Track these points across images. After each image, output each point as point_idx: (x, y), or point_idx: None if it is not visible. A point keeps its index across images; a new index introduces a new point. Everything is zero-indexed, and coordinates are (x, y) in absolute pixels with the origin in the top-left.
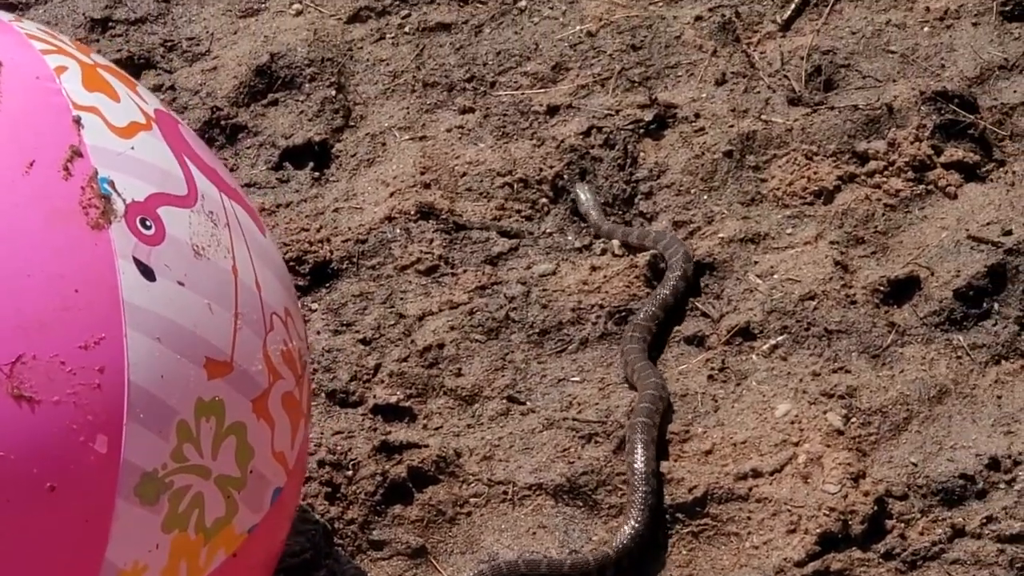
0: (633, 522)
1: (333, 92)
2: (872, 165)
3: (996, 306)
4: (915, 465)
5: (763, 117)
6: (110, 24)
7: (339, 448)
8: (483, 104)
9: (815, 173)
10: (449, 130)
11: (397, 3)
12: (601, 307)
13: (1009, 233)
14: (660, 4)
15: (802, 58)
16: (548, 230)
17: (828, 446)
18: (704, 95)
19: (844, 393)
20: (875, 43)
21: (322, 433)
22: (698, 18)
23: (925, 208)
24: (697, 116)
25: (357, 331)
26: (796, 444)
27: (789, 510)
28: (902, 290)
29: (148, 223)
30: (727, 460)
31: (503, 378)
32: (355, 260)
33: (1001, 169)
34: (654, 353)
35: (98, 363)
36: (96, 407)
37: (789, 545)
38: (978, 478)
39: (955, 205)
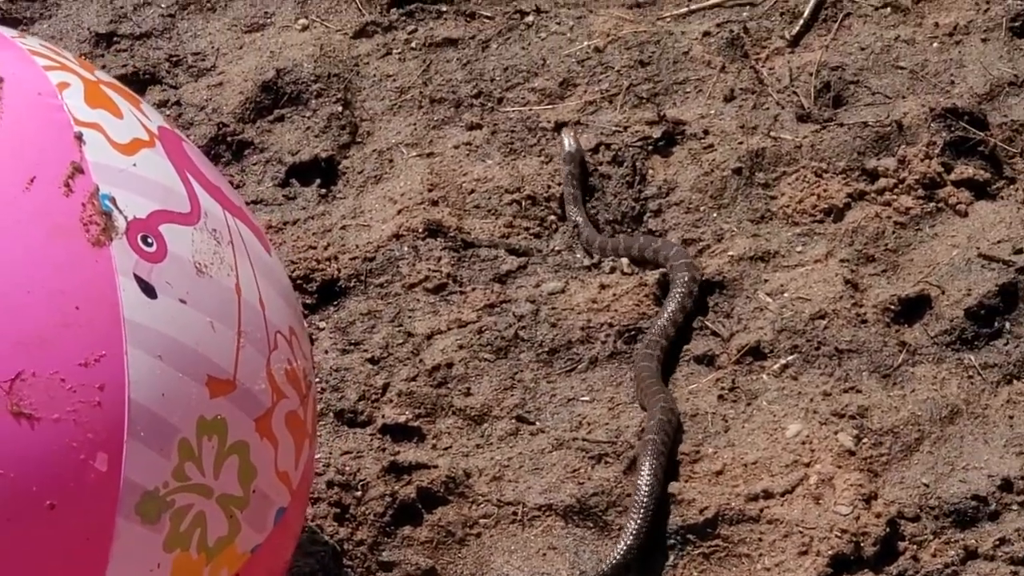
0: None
1: (340, 108)
2: (882, 182)
3: (1008, 325)
4: (927, 486)
5: (772, 134)
6: (115, 39)
7: (348, 468)
8: (491, 120)
9: (825, 190)
10: (457, 147)
11: (404, 18)
12: (610, 326)
13: (1020, 252)
14: (668, 19)
15: (811, 74)
16: (557, 248)
17: (839, 467)
18: (713, 111)
19: (855, 413)
20: (884, 59)
21: (330, 453)
22: (706, 34)
23: (936, 226)
24: (706, 133)
25: (365, 350)
26: (807, 465)
27: (801, 532)
28: (913, 309)
29: (150, 240)
30: (738, 481)
31: (512, 397)
32: (363, 278)
33: (1012, 187)
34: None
35: (98, 380)
36: (96, 425)
37: (801, 567)
38: (991, 499)
39: (966, 223)
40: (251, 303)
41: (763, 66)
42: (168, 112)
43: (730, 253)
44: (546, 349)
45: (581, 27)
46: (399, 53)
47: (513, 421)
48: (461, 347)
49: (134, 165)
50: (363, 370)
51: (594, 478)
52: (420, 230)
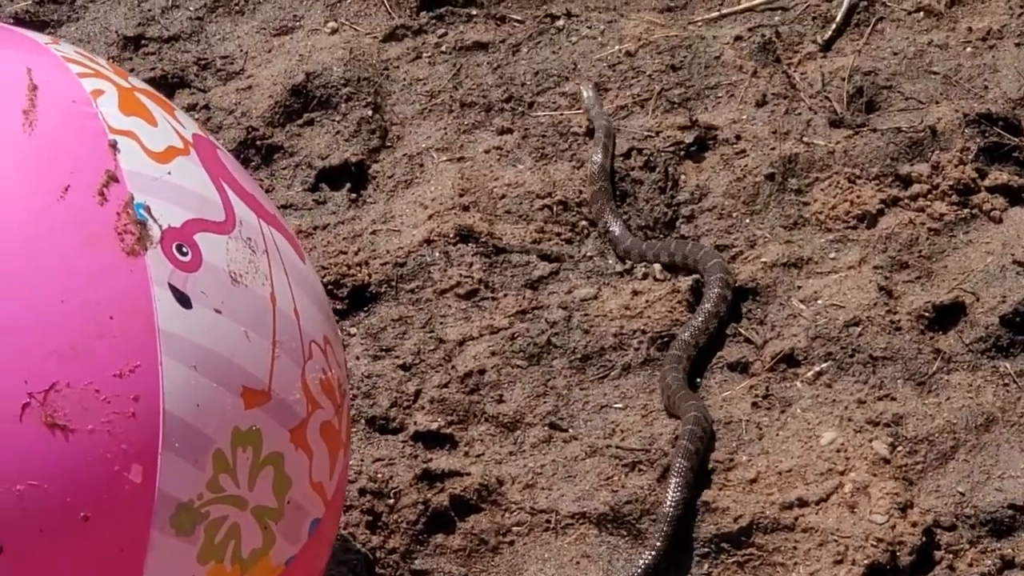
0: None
1: (370, 112)
2: (916, 188)
3: None
4: (963, 495)
5: (805, 139)
6: (143, 42)
7: (380, 476)
8: (521, 125)
9: (858, 196)
10: (487, 151)
11: (433, 22)
12: (643, 332)
13: None
14: (700, 24)
15: (843, 79)
16: (588, 253)
17: (875, 475)
18: (745, 116)
19: (890, 421)
20: (917, 64)
21: (362, 460)
22: (738, 38)
23: (970, 232)
24: (738, 138)
25: (397, 356)
26: (842, 473)
27: (836, 540)
28: (947, 316)
29: (184, 249)
30: (772, 489)
31: (545, 404)
32: (394, 284)
33: None
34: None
35: (133, 391)
36: (131, 436)
37: None
38: None
39: (1000, 229)
40: (286, 312)
41: (795, 71)
42: (197, 116)
43: (763, 259)
44: (579, 356)
45: (612, 31)
46: (429, 57)
47: (546, 428)
48: (493, 353)
49: (169, 173)
50: (395, 376)
51: (628, 486)
52: (451, 235)
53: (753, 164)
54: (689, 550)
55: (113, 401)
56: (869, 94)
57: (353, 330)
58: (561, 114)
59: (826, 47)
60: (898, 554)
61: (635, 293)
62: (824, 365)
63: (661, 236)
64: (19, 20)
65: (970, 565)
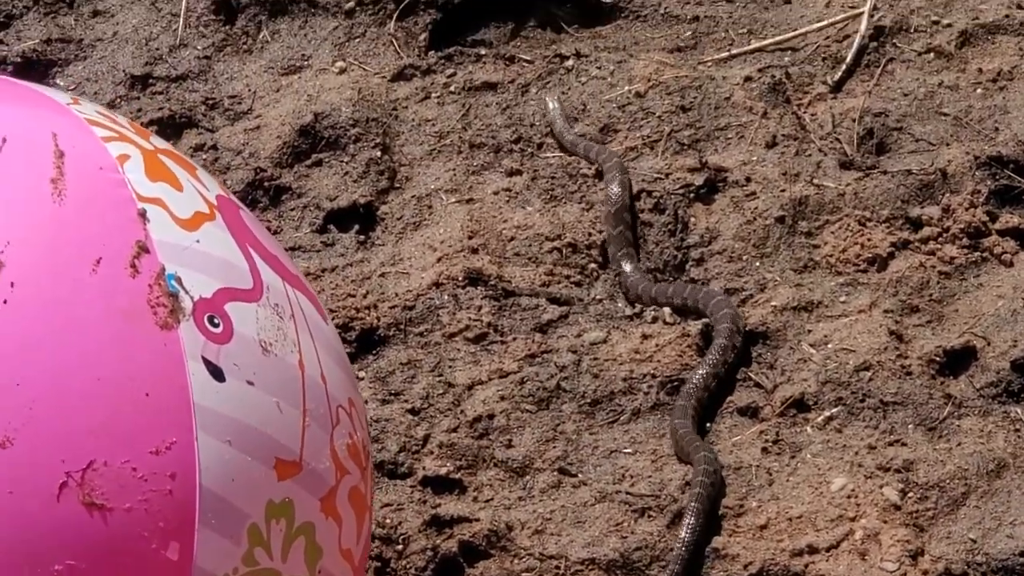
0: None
1: (378, 153)
2: (926, 231)
3: None
4: (974, 542)
5: (815, 181)
6: (151, 81)
7: (388, 521)
8: (531, 166)
9: (868, 239)
10: (496, 193)
11: (442, 62)
12: (653, 376)
13: None
14: (709, 64)
15: (854, 120)
16: (598, 296)
17: (885, 521)
18: (755, 158)
19: (901, 467)
20: (928, 105)
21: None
22: (748, 79)
23: (980, 276)
24: (748, 180)
25: (405, 400)
26: (853, 519)
27: None
28: (958, 360)
29: (216, 320)
30: (783, 535)
31: (554, 449)
32: (402, 327)
33: None
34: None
35: (170, 468)
36: (168, 513)
37: None
38: None
39: (1011, 273)
40: (314, 378)
41: (805, 112)
42: (204, 156)
43: (773, 303)
44: (588, 400)
45: (622, 72)
46: (438, 97)
47: (555, 473)
48: (502, 398)
49: (197, 241)
50: (403, 421)
51: (637, 532)
52: (460, 278)
53: (763, 206)
54: None
55: (150, 479)
56: (879, 136)
57: (362, 373)
58: (571, 155)
59: (836, 88)
60: None
61: (645, 337)
62: (834, 410)
63: (671, 279)
64: (27, 59)
65: None
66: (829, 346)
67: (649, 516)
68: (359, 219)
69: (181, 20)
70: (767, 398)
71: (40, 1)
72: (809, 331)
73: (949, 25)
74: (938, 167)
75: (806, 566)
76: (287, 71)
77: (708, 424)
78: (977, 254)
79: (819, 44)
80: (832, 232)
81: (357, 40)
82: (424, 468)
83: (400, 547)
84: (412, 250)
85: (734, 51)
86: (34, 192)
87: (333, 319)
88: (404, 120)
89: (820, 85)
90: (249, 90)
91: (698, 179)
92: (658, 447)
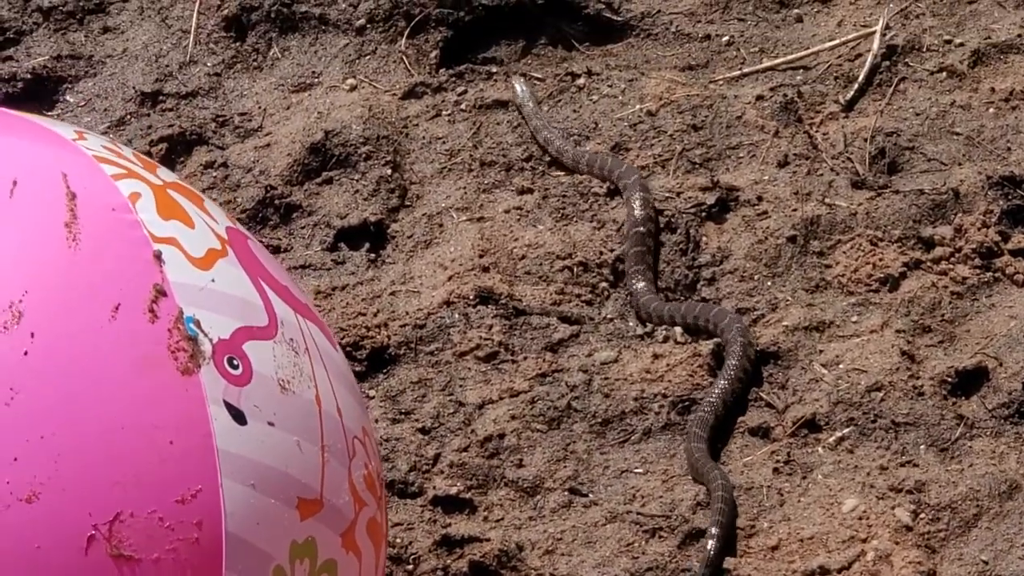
0: None
1: (389, 171)
2: (938, 251)
3: None
4: (986, 563)
5: (827, 200)
6: (160, 98)
7: (399, 541)
8: (542, 184)
9: (880, 259)
10: (507, 211)
11: (453, 79)
12: (664, 396)
13: None
14: (721, 83)
15: (866, 140)
16: (609, 315)
17: (897, 543)
18: (766, 177)
19: (913, 488)
20: (940, 125)
21: None
22: (759, 97)
23: (992, 296)
24: (759, 199)
25: (416, 420)
26: (864, 540)
27: None
28: (970, 381)
29: (235, 362)
30: (794, 556)
31: (565, 469)
32: (413, 346)
33: None
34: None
35: (196, 516)
36: (195, 561)
37: None
38: None
39: (1023, 293)
40: (330, 413)
41: (817, 131)
42: (215, 174)
43: (785, 323)
44: (599, 420)
45: (633, 90)
46: (449, 115)
47: (566, 493)
48: (513, 417)
49: (212, 281)
50: (414, 440)
51: (648, 552)
52: (471, 297)
53: (775, 226)
54: None
55: (177, 528)
56: (891, 155)
57: (372, 393)
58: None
59: (848, 107)
60: None
61: (656, 356)
62: (846, 431)
63: (682, 298)
64: (37, 75)
65: None
66: (841, 366)
67: (660, 537)
68: (370, 237)
69: (191, 37)
70: (779, 418)
71: (50, 17)
72: (821, 351)
73: (961, 44)
74: (950, 187)
75: None
76: (297, 88)
77: (719, 445)
78: (989, 274)
79: (831, 63)
80: (844, 252)
81: (368, 57)
82: (435, 488)
83: (410, 567)
84: (423, 268)
85: (746, 70)
86: (49, 237)
87: (343, 338)
88: (415, 138)
89: (832, 104)
90: (259, 107)
91: (710, 198)
92: (669, 467)
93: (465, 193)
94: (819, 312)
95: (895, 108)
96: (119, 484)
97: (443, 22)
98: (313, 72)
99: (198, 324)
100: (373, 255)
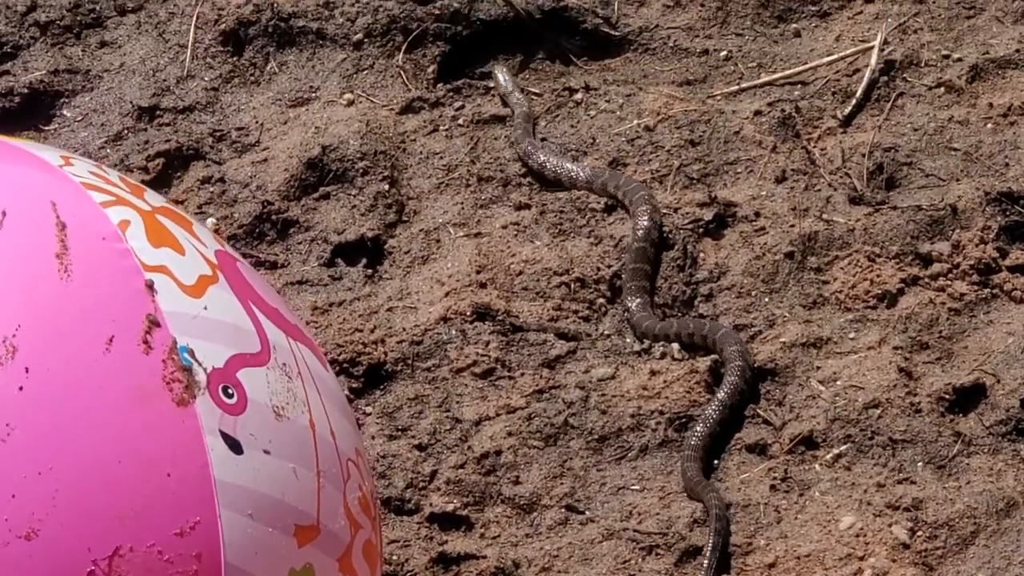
0: None
1: (386, 186)
2: (936, 268)
3: None
4: None
5: (824, 216)
6: (158, 112)
7: (395, 558)
8: (539, 200)
9: (878, 276)
10: (505, 227)
11: (451, 94)
12: (661, 413)
13: None
14: (719, 98)
15: (863, 155)
16: (606, 332)
17: (894, 560)
18: (764, 193)
19: (910, 505)
20: (937, 140)
21: None
22: (757, 113)
23: (990, 313)
24: (757, 215)
25: (412, 436)
26: (861, 558)
27: None
28: (968, 398)
29: (230, 391)
30: (791, 574)
31: (562, 486)
32: (410, 362)
33: None
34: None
35: (195, 548)
36: None
37: None
38: None
39: (1021, 310)
40: (324, 437)
41: (815, 146)
42: (212, 189)
43: (782, 339)
44: (596, 436)
45: (631, 105)
46: (446, 130)
47: (562, 510)
48: (510, 434)
49: (205, 308)
50: (410, 457)
51: (645, 570)
52: (468, 313)
53: (772, 242)
54: None
55: (176, 561)
56: (889, 171)
57: (369, 409)
58: (579, 190)
59: (846, 123)
60: None
61: (653, 373)
62: (843, 448)
63: (679, 315)
64: (34, 90)
65: None
66: (838, 383)
67: (657, 554)
68: (367, 253)
69: (188, 51)
70: (775, 435)
71: (47, 32)
72: (818, 368)
73: (959, 60)
74: (948, 203)
75: None
76: (295, 103)
77: (715, 462)
78: (987, 291)
79: (829, 78)
80: (841, 268)
81: (365, 72)
82: (431, 504)
83: None
84: (420, 284)
85: (744, 85)
86: (40, 269)
87: (340, 354)
88: (412, 153)
89: (830, 119)
90: (256, 122)
91: (707, 214)
92: (666, 484)
93: (462, 208)
94: (816, 328)
95: (893, 123)
96: (117, 518)
97: (441, 37)
98: (310, 87)
99: (192, 354)
100: (370, 271)
